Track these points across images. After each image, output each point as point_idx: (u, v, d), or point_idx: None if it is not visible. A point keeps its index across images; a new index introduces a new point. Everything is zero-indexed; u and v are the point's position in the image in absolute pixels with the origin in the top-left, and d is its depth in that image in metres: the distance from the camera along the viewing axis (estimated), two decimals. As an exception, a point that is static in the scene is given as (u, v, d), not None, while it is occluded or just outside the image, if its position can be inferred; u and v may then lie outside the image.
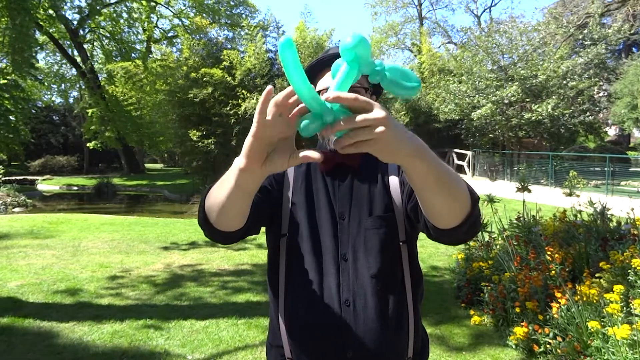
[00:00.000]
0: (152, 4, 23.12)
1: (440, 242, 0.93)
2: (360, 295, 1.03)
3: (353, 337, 1.01)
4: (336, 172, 1.12)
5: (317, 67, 1.12)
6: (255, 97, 12.04)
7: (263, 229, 1.14)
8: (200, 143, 12.25)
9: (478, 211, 0.87)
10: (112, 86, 21.88)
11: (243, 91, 12.31)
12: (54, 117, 31.30)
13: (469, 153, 18.64)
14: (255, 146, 0.69)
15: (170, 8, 23.66)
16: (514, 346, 3.04)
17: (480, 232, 4.88)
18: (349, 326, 1.01)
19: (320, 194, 1.10)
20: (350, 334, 1.01)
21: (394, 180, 1.10)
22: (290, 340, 1.07)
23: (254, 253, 5.98)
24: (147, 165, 32.91)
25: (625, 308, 2.49)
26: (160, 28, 25.81)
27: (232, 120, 12.09)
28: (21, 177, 21.30)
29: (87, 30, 23.64)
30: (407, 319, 1.07)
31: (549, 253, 3.35)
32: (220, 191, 0.83)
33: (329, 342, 1.02)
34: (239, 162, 0.73)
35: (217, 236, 0.95)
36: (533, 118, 15.05)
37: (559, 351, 2.63)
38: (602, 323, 2.46)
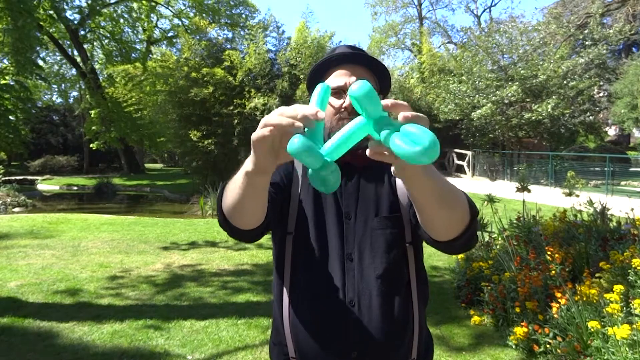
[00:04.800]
0: (152, 4, 23.10)
1: (438, 250, 0.94)
2: (365, 296, 1.03)
3: (357, 337, 1.01)
4: (342, 171, 1.11)
5: (325, 67, 1.11)
6: (259, 98, 12.04)
7: None
8: (200, 143, 12.24)
9: (476, 225, 0.88)
10: (112, 88, 21.86)
11: (252, 90, 12.29)
12: (54, 117, 31.22)
13: (469, 153, 18.64)
14: (269, 158, 0.72)
15: (170, 8, 23.65)
16: (514, 346, 3.04)
17: (480, 233, 4.88)
18: (354, 326, 1.01)
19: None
20: (354, 334, 1.01)
21: (400, 181, 1.09)
22: (294, 339, 1.07)
23: (254, 253, 5.98)
24: (147, 165, 32.89)
25: (625, 308, 2.48)
26: (160, 28, 25.82)
27: (235, 121, 12.10)
28: (21, 177, 21.19)
29: (87, 30, 23.62)
30: (412, 320, 1.06)
31: (549, 253, 3.35)
32: (235, 193, 0.84)
33: (333, 341, 1.02)
34: (251, 167, 0.75)
35: (240, 235, 0.96)
36: (533, 118, 15.04)
37: (559, 351, 2.63)
38: (602, 323, 2.46)
